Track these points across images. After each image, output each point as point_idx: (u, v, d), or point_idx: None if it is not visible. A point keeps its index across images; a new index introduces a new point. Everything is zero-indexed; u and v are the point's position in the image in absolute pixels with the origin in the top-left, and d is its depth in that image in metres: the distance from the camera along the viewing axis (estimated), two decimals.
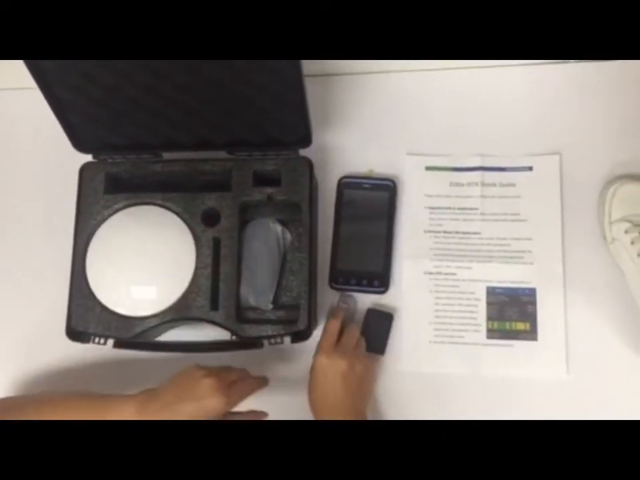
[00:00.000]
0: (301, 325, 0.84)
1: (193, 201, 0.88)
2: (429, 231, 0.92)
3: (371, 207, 0.92)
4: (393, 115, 0.95)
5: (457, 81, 0.92)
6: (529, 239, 0.91)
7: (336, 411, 0.80)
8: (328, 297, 0.90)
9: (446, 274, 0.91)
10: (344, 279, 0.90)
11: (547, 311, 0.89)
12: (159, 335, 0.88)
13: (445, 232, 0.92)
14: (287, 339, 0.84)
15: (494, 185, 0.92)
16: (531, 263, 0.90)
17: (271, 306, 0.88)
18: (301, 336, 0.84)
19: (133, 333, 0.85)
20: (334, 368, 0.81)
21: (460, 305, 0.90)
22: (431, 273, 0.91)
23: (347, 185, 0.92)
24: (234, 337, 0.85)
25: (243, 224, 0.89)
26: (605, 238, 0.89)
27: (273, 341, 0.84)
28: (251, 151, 0.88)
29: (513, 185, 0.92)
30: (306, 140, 0.87)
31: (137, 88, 0.81)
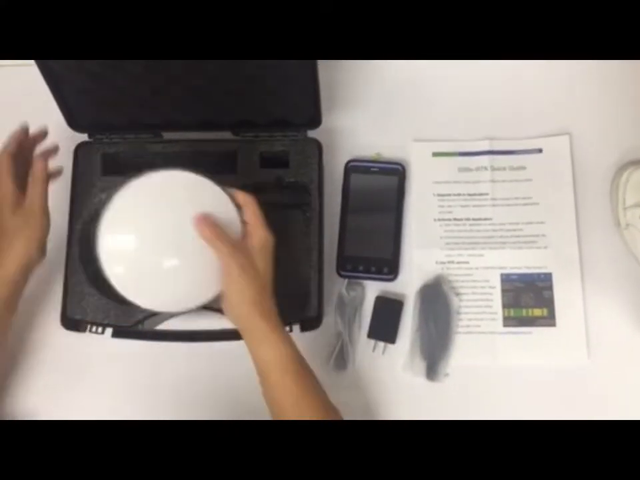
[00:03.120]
0: (312, 312, 0.80)
1: None
2: (439, 219, 0.89)
3: (380, 191, 0.88)
4: (398, 99, 0.93)
5: (462, 63, 0.89)
6: (542, 223, 0.88)
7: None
8: (335, 284, 0.86)
9: (458, 262, 0.88)
10: (352, 265, 0.86)
11: (564, 296, 0.85)
12: (161, 322, 0.82)
13: (455, 219, 0.89)
14: (296, 327, 0.79)
15: (504, 168, 0.90)
16: (545, 247, 0.87)
17: (444, 378, 0.83)
18: (311, 324, 0.80)
19: (133, 321, 0.80)
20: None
21: (474, 293, 0.87)
22: (443, 263, 0.88)
23: (355, 168, 0.89)
24: None
25: None
26: (618, 224, 0.87)
27: None
28: (257, 131, 0.85)
29: (523, 167, 0.90)
30: (315, 121, 0.84)
31: (137, 64, 0.77)
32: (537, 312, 0.85)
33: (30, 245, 0.77)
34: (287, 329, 0.78)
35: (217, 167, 0.84)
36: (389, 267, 0.86)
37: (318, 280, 0.81)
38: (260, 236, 0.72)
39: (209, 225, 0.70)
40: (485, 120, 0.91)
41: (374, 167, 0.89)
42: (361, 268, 0.86)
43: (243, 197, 0.73)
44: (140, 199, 0.72)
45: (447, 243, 0.88)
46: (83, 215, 0.84)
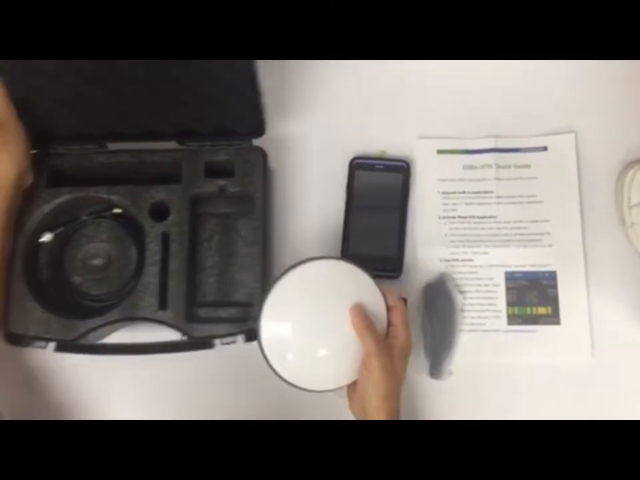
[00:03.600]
0: (254, 323, 0.79)
1: (140, 194, 0.83)
2: (443, 217, 0.89)
3: (384, 188, 0.88)
4: (403, 97, 0.92)
5: (465, 62, 0.89)
6: (547, 221, 0.88)
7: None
8: None
9: (462, 260, 0.88)
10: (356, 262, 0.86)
11: (568, 294, 0.85)
12: (106, 336, 0.83)
13: (459, 217, 0.89)
14: (240, 338, 0.79)
15: (508, 166, 0.90)
16: (550, 245, 0.87)
17: (448, 377, 0.83)
18: (254, 334, 0.78)
19: (76, 335, 0.80)
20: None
21: (478, 291, 0.87)
22: (447, 260, 0.88)
23: (359, 165, 0.89)
24: (184, 337, 0.80)
25: (195, 218, 0.85)
26: (623, 222, 0.86)
27: (224, 340, 0.79)
28: (202, 141, 0.85)
29: (528, 166, 0.89)
30: (259, 129, 0.84)
31: (77, 75, 0.76)
32: (542, 310, 0.85)
33: (15, 159, 0.79)
34: (231, 339, 0.79)
35: (162, 177, 0.85)
36: (393, 264, 0.86)
37: (261, 289, 0.80)
38: (404, 340, 0.75)
39: (362, 315, 0.73)
40: (490, 117, 0.91)
41: (378, 164, 0.89)
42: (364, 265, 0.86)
43: (393, 300, 0.76)
44: (303, 283, 0.76)
45: (452, 241, 0.88)
46: (26, 228, 0.83)
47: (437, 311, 0.85)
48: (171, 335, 0.80)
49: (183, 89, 0.78)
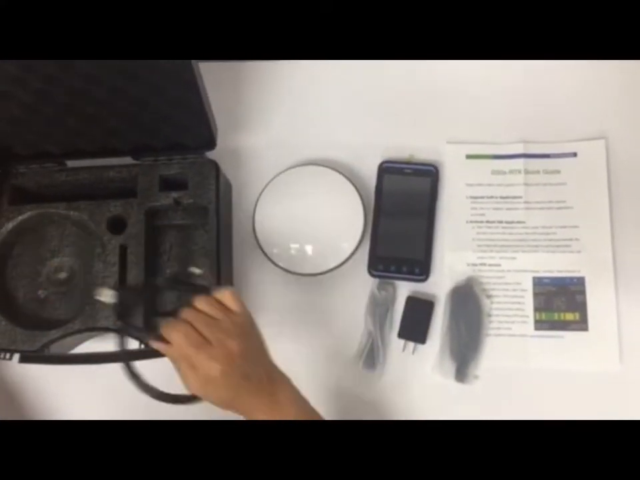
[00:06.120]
0: None
1: (98, 208, 0.86)
2: (471, 222, 0.89)
3: (413, 192, 0.89)
4: (432, 102, 0.93)
5: (495, 66, 0.89)
6: (576, 227, 0.87)
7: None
8: (367, 283, 0.87)
9: (490, 265, 0.88)
10: (384, 265, 0.87)
11: (597, 300, 0.85)
12: (75, 347, 0.85)
13: (487, 222, 0.89)
14: None
15: (538, 172, 0.90)
16: (579, 251, 0.86)
17: (474, 381, 0.84)
18: None
19: (39, 346, 0.81)
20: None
21: (506, 296, 0.87)
22: (474, 265, 0.88)
23: (387, 169, 0.90)
24: (143, 346, 0.80)
25: (153, 230, 0.87)
26: None
27: None
28: (156, 155, 0.87)
29: (557, 171, 0.89)
30: (210, 143, 0.85)
31: (29, 94, 0.77)
32: (569, 316, 0.85)
33: None
34: None
35: (120, 191, 0.87)
36: (420, 267, 0.87)
37: None
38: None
39: None
40: (520, 123, 0.91)
41: (407, 169, 0.89)
42: (392, 268, 0.87)
43: None
44: (289, 185, 0.90)
45: (479, 245, 0.88)
46: None
47: (463, 315, 0.85)
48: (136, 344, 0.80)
49: (130, 104, 0.79)
